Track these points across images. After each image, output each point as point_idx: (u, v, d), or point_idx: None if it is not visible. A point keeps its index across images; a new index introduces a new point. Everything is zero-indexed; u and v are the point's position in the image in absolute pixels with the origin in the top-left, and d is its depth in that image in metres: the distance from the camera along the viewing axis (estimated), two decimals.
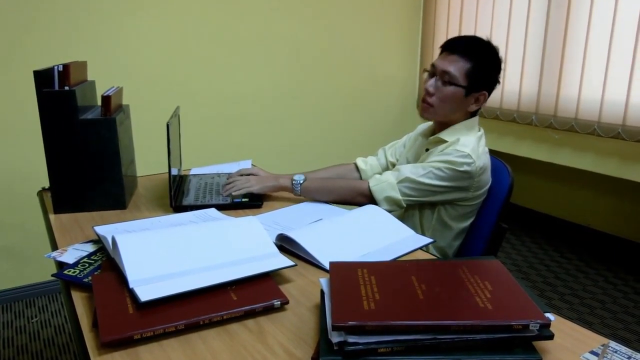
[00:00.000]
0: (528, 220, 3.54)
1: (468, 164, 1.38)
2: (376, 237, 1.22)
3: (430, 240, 1.24)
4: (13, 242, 2.52)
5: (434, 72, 1.46)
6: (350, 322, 0.72)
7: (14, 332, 2.34)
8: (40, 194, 1.61)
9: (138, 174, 1.77)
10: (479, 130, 1.50)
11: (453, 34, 3.39)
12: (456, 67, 1.41)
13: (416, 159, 1.59)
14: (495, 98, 3.16)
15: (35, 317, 2.47)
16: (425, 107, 1.48)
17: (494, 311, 0.75)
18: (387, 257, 1.13)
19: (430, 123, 1.62)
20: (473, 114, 1.49)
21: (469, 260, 0.92)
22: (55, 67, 1.37)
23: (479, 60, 1.41)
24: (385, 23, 3.49)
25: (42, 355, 2.17)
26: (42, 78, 1.36)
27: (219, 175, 1.77)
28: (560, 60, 2.78)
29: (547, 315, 0.77)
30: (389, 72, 3.60)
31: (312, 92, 3.32)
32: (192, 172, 1.86)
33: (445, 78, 1.42)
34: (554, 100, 2.84)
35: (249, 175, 1.58)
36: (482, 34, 3.23)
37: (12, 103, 2.39)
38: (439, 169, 1.40)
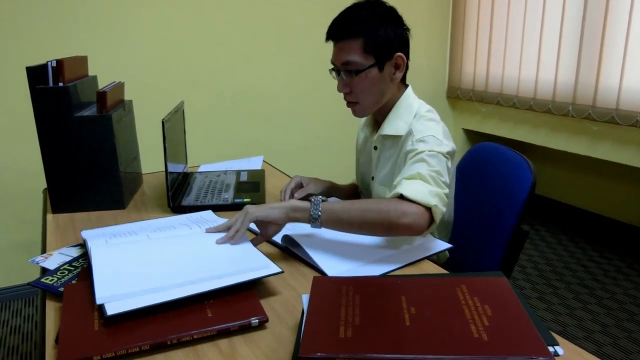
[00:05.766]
0: (563, 216, 3.34)
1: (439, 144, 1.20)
2: (388, 242, 1.14)
3: (448, 245, 1.15)
4: (31, 238, 2.53)
5: (337, 68, 1.27)
6: (318, 354, 0.63)
7: (33, 326, 2.37)
8: (45, 192, 1.58)
9: (144, 171, 1.73)
10: (421, 107, 1.32)
11: (484, 17, 3.21)
12: (350, 51, 1.22)
13: (368, 159, 1.43)
14: (528, 88, 2.97)
15: None
16: (351, 107, 1.31)
17: (489, 343, 0.64)
18: (396, 264, 1.05)
19: None
20: (403, 81, 1.32)
21: (471, 277, 0.82)
22: (49, 63, 1.33)
23: (367, 27, 1.21)
24: (413, 11, 3.34)
25: None
26: (35, 74, 1.32)
27: (225, 172, 1.70)
28: (600, 47, 2.58)
29: (554, 349, 0.66)
30: (417, 62, 3.43)
31: (333, 84, 3.20)
32: (201, 169, 1.81)
33: (349, 68, 1.23)
34: (593, 89, 2.64)
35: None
36: (516, 16, 3.08)
37: (23, 98, 2.38)
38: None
